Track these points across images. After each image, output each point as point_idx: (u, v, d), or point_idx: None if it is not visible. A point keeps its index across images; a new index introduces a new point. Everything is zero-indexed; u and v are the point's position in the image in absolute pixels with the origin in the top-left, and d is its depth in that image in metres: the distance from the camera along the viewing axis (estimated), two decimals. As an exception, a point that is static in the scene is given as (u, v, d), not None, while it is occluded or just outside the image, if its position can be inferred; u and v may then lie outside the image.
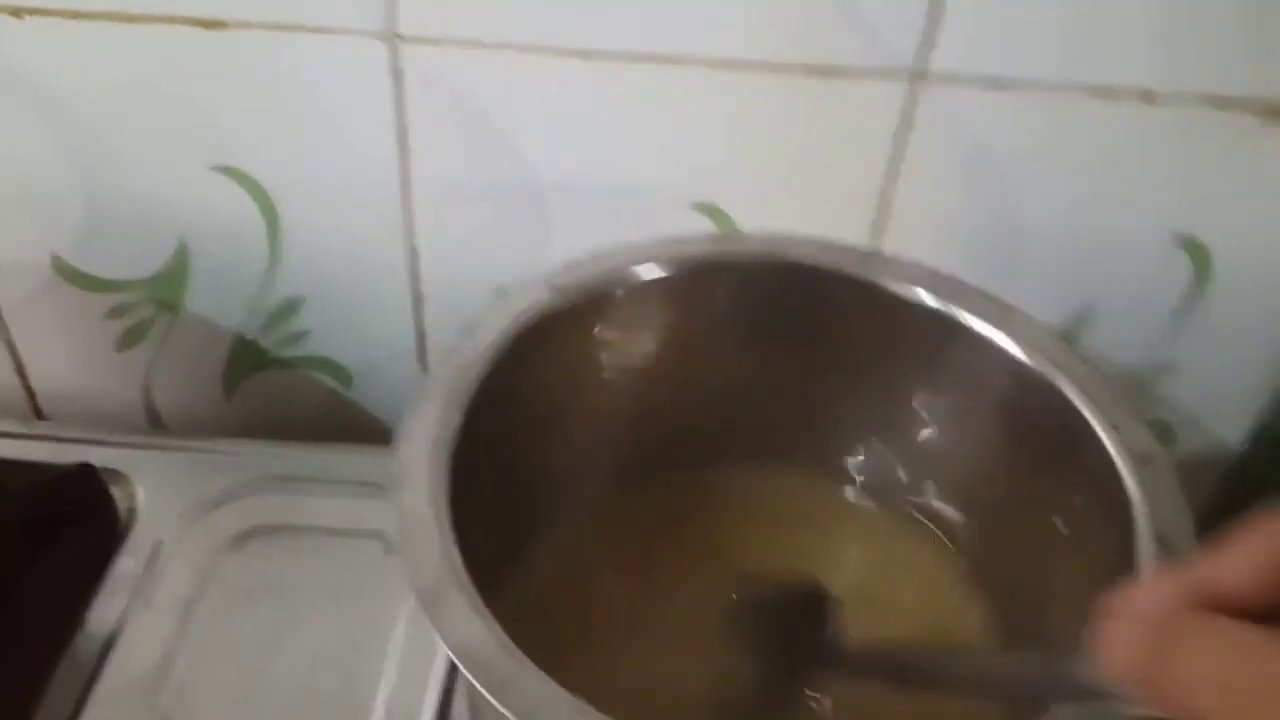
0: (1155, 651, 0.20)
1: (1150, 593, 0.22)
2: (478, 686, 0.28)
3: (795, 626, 0.38)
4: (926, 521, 0.46)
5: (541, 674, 0.28)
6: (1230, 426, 0.58)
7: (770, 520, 0.45)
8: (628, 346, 0.43)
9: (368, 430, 0.61)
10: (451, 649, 0.29)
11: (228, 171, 0.51)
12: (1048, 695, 0.25)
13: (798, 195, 0.50)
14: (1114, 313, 0.53)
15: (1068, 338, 0.54)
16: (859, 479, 0.47)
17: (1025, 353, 0.39)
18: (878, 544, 0.46)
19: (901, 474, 0.45)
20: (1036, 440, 0.40)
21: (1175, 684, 0.20)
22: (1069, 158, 0.47)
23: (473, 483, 0.35)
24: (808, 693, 0.37)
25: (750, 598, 0.40)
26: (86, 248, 0.54)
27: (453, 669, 0.46)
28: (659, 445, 0.45)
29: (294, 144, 0.49)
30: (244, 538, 0.51)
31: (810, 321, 0.43)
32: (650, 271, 0.42)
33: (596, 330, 0.41)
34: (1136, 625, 0.21)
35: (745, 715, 0.37)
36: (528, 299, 0.40)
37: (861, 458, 0.46)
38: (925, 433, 0.44)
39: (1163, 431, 0.58)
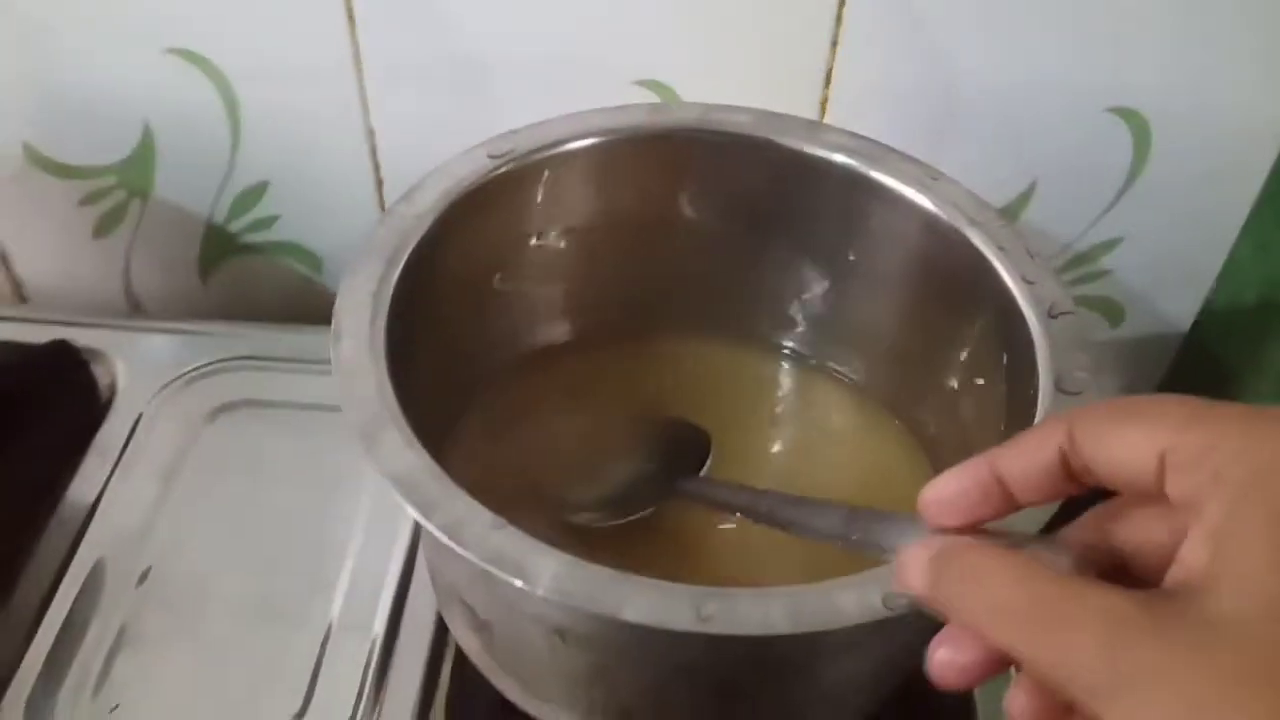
0: (934, 580, 0.24)
1: (943, 489, 0.25)
2: (408, 507, 0.31)
3: (674, 459, 0.42)
4: (850, 377, 0.48)
5: (466, 496, 0.31)
6: (1181, 303, 0.59)
7: (695, 378, 0.48)
8: (562, 214, 0.44)
9: (340, 314, 0.63)
10: (385, 476, 0.31)
11: (183, 54, 0.52)
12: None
13: (740, 70, 0.51)
14: (1057, 187, 0.55)
15: (1008, 212, 0.55)
16: (785, 340, 0.49)
17: (944, 211, 0.41)
18: (803, 402, 0.48)
19: (826, 335, 0.48)
20: (954, 296, 0.42)
21: (952, 607, 0.24)
22: (1005, 24, 0.48)
23: (411, 340, 0.37)
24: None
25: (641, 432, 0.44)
26: (55, 135, 0.56)
27: (416, 529, 0.49)
28: (591, 312, 0.47)
29: (245, 22, 0.50)
30: (219, 412, 0.54)
31: (739, 189, 0.45)
32: (586, 140, 0.43)
33: (532, 197, 0.43)
34: (921, 554, 0.25)
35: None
36: (467, 165, 0.41)
37: (789, 319, 0.48)
38: (850, 296, 0.46)
39: (1112, 310, 0.60)
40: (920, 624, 0.37)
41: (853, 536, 0.29)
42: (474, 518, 0.30)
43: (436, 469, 0.32)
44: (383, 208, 0.58)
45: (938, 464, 0.45)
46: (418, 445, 0.32)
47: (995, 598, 0.22)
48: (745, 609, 0.29)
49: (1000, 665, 0.24)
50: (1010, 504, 0.25)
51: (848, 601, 0.29)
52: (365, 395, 0.33)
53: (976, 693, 0.45)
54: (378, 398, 0.33)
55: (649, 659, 0.33)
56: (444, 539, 0.30)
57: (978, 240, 0.40)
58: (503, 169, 0.42)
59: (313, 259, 0.61)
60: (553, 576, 0.29)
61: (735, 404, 0.47)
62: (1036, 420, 0.35)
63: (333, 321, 0.36)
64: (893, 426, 0.47)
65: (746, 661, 0.34)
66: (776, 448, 0.48)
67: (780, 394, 0.49)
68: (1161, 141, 0.52)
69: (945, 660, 0.24)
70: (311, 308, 0.63)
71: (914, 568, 0.25)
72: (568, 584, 0.29)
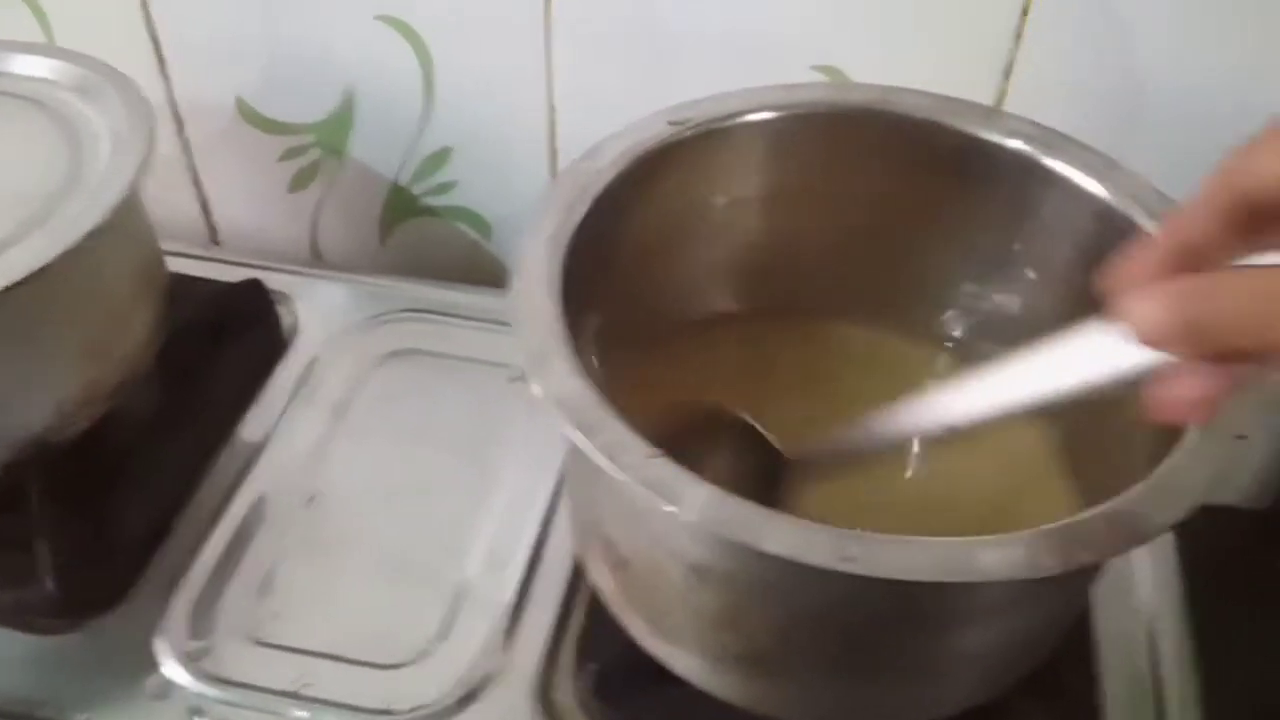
0: (1192, 303, 0.23)
1: (1146, 262, 0.25)
2: (569, 429, 0.32)
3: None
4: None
5: (624, 424, 0.32)
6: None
7: (851, 364, 0.48)
8: (734, 186, 0.45)
9: (503, 282, 0.66)
10: (549, 398, 0.33)
11: (390, 21, 0.56)
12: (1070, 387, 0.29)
13: (919, 59, 0.51)
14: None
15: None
16: (950, 334, 0.49)
17: (1120, 201, 0.41)
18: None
19: (985, 325, 0.47)
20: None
21: (1216, 326, 0.23)
22: (1200, 24, 0.47)
23: (587, 288, 0.39)
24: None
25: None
26: (266, 91, 0.60)
27: (560, 478, 0.51)
28: (756, 286, 0.48)
29: (449, -7, 0.54)
30: (389, 357, 0.57)
31: (911, 172, 0.45)
32: (763, 114, 0.44)
33: (706, 166, 0.44)
34: (1164, 290, 0.24)
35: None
36: (647, 130, 0.43)
37: (953, 313, 0.48)
38: (1013, 286, 0.46)
39: None
40: (1050, 603, 0.37)
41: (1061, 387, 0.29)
42: (631, 445, 0.32)
43: (598, 397, 0.33)
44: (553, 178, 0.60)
45: (1075, 462, 0.44)
46: (582, 374, 0.34)
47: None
48: (888, 553, 0.29)
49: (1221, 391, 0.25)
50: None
51: (991, 558, 0.29)
52: (536, 324, 0.35)
53: (1103, 675, 0.44)
54: (547, 328, 0.35)
55: (785, 603, 0.34)
56: (602, 461, 0.31)
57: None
58: (680, 136, 0.43)
59: (483, 224, 0.64)
60: (703, 504, 0.30)
61: (888, 392, 0.48)
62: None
63: (516, 259, 0.38)
64: (1035, 426, 0.46)
65: (879, 615, 0.34)
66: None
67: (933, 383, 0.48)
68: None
69: (1168, 396, 0.25)
70: (478, 271, 0.66)
71: (1161, 303, 0.24)
72: (717, 512, 0.30)
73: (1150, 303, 0.24)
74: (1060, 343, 0.29)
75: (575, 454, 0.40)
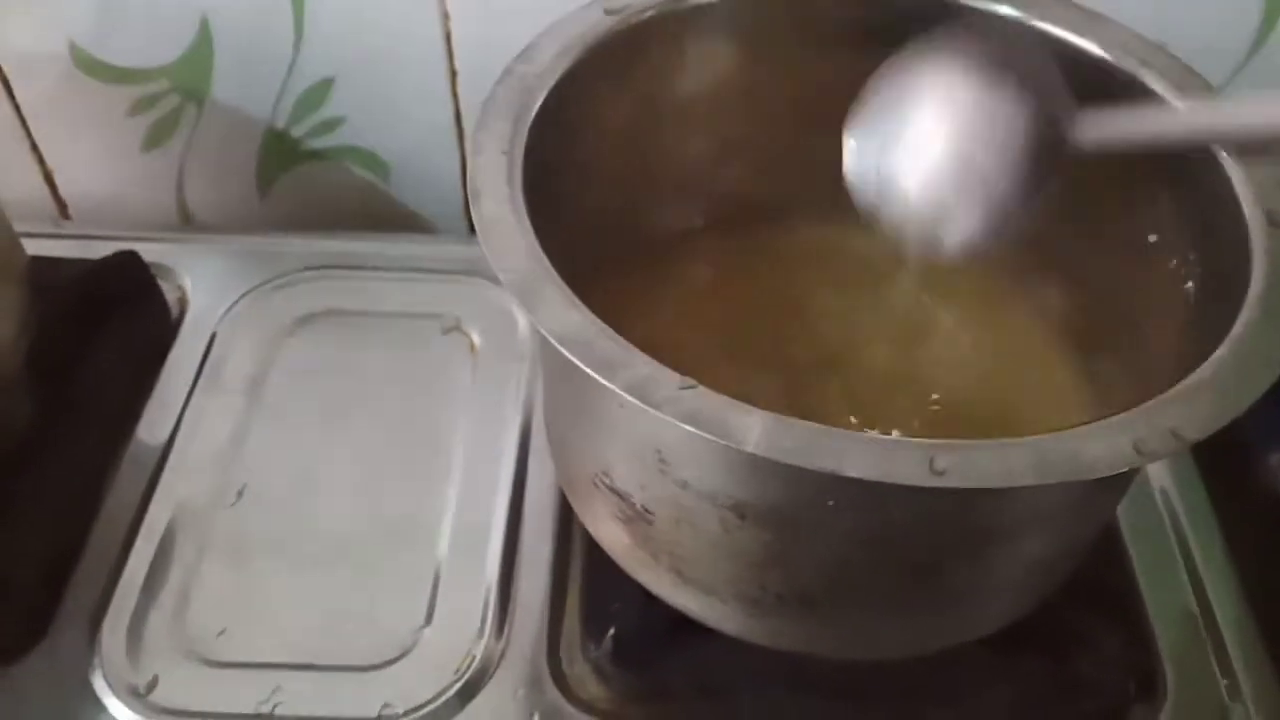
0: None
1: None
2: (584, 368, 0.27)
3: None
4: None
5: (645, 355, 0.28)
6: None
7: (830, 264, 0.44)
8: (686, 77, 0.41)
9: (407, 226, 0.60)
10: (552, 336, 0.28)
11: (246, -65, 0.48)
12: None
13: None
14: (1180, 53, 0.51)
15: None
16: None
17: (1112, 54, 0.38)
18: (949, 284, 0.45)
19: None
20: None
21: None
22: None
23: (545, 202, 0.34)
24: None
25: None
26: (105, 33, 0.52)
27: (525, 427, 0.46)
28: (722, 185, 0.44)
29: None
30: (299, 323, 0.51)
31: (875, 44, 0.41)
32: (709, -10, 0.39)
33: (654, 57, 0.39)
34: None
35: None
36: (582, 22, 0.38)
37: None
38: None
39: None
40: (1108, 493, 0.35)
41: None
42: (660, 377, 0.27)
43: (606, 328, 0.28)
44: (457, 104, 0.54)
45: (1090, 347, 0.42)
46: (580, 304, 0.29)
47: None
48: (983, 460, 0.26)
49: None
50: None
51: (1096, 451, 0.26)
52: (515, 253, 0.30)
53: (1139, 574, 0.42)
54: (528, 256, 0.30)
55: (842, 531, 0.30)
56: (632, 400, 0.27)
57: (1153, 83, 0.37)
58: (623, 25, 0.38)
59: (378, 164, 0.57)
60: (762, 433, 0.26)
61: (873, 293, 0.44)
62: (1254, 267, 0.31)
63: (469, 180, 0.32)
64: (1040, 309, 0.43)
65: (945, 531, 0.31)
66: (915, 337, 0.44)
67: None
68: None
69: None
70: (377, 218, 0.59)
71: None
72: (780, 440, 0.26)
73: None
74: None
75: (573, 403, 0.35)
